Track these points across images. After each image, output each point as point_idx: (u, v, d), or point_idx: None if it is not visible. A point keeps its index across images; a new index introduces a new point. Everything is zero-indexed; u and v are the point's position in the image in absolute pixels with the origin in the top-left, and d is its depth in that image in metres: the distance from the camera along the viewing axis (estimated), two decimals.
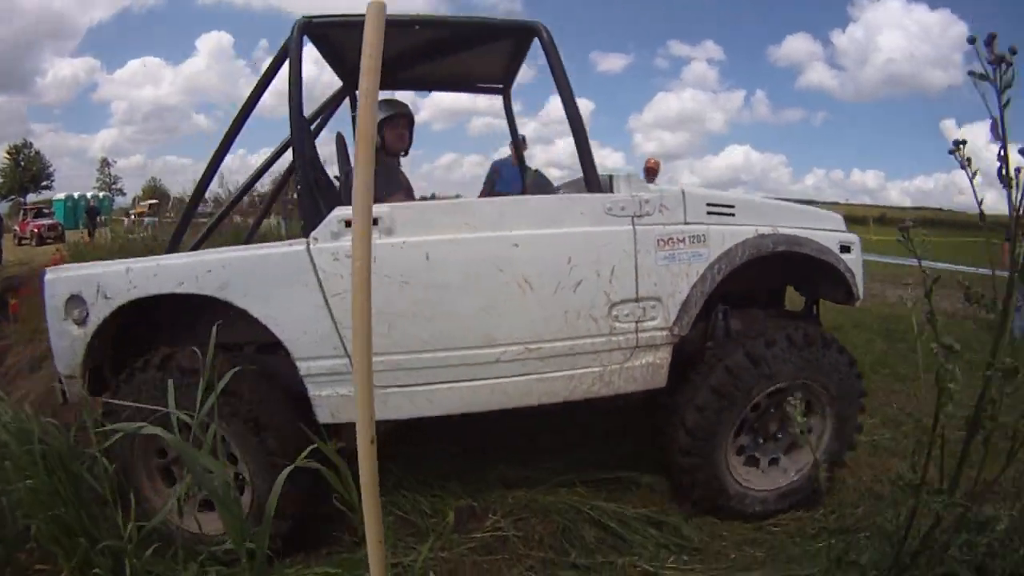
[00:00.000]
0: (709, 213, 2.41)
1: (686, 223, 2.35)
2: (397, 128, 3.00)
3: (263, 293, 2.18)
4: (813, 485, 2.38)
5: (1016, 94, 1.20)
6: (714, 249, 2.36)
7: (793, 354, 2.36)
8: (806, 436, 1.78)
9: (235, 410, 2.13)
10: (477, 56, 3.02)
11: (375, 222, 2.11)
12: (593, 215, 2.29)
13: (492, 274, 2.19)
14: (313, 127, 3.05)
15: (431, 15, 2.82)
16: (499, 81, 3.56)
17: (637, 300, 2.29)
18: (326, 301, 2.16)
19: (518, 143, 4.06)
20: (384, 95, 3.01)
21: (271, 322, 2.19)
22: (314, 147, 2.73)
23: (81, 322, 2.30)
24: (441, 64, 3.08)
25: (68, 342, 2.33)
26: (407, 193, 2.92)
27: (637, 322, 2.30)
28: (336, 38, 2.74)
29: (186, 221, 3.08)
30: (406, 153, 3.17)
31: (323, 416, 2.22)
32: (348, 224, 2.12)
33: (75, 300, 2.30)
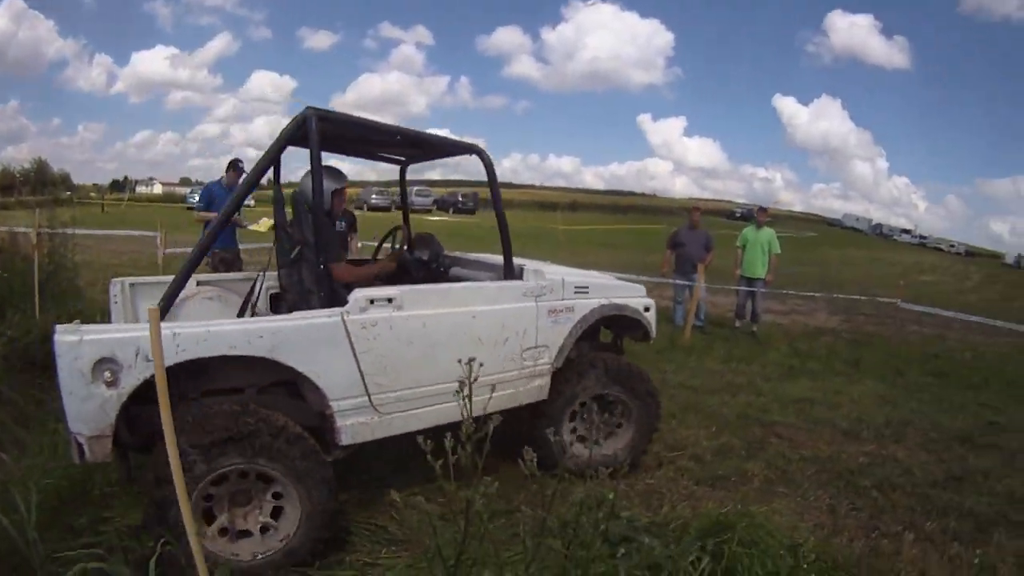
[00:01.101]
0: (575, 292, 4.03)
1: (563, 299, 3.96)
2: (342, 196, 3.86)
3: (307, 352, 2.99)
4: (618, 462, 3.72)
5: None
6: (578, 314, 4.01)
7: (609, 369, 4.14)
8: (594, 434, 3.95)
9: (287, 452, 2.89)
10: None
11: (390, 300, 3.24)
12: (516, 297, 3.76)
13: (461, 335, 3.47)
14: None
15: (412, 129, 3.79)
16: (408, 161, 4.75)
17: (536, 347, 3.83)
18: (355, 357, 3.12)
19: (406, 208, 5.08)
20: (331, 161, 3.92)
21: (312, 374, 3.00)
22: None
23: (113, 383, 2.64)
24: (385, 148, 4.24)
25: (97, 403, 2.63)
26: (344, 246, 3.89)
27: (535, 361, 3.85)
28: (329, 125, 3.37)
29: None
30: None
31: (346, 439, 3.16)
32: (372, 301, 3.17)
33: (106, 362, 2.63)
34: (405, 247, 4.62)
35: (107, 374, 2.66)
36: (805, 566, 2.89)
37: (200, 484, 2.76)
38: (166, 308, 2.96)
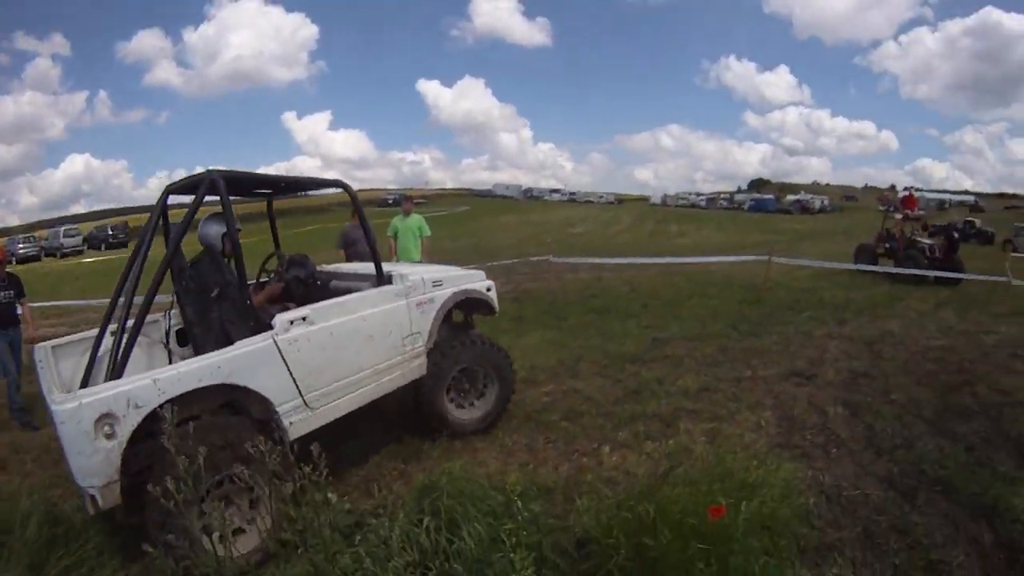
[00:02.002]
0: (433, 286, 5.07)
1: (425, 293, 4.98)
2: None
3: (254, 371, 3.76)
4: (492, 416, 5.49)
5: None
6: (438, 303, 5.07)
7: (465, 347, 5.24)
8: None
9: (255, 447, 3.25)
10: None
11: (304, 318, 4.07)
12: (391, 298, 4.75)
13: (358, 335, 4.41)
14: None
15: (287, 176, 5.16)
16: (275, 195, 5.76)
17: (412, 334, 4.85)
18: (288, 368, 3.90)
19: (276, 235, 5.93)
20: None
21: (260, 388, 3.77)
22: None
23: (111, 435, 3.13)
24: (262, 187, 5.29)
25: (103, 456, 3.11)
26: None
27: (413, 345, 4.87)
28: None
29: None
30: None
31: (293, 434, 3.90)
32: (292, 322, 4.02)
33: (105, 418, 3.12)
34: (285, 269, 5.09)
35: (106, 428, 3.15)
36: (516, 498, 3.23)
37: (200, 496, 3.15)
38: (123, 364, 3.60)
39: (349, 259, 8.77)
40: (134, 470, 3.30)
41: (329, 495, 2.98)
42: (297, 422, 4.02)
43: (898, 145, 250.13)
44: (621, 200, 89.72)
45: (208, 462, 2.98)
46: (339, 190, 5.19)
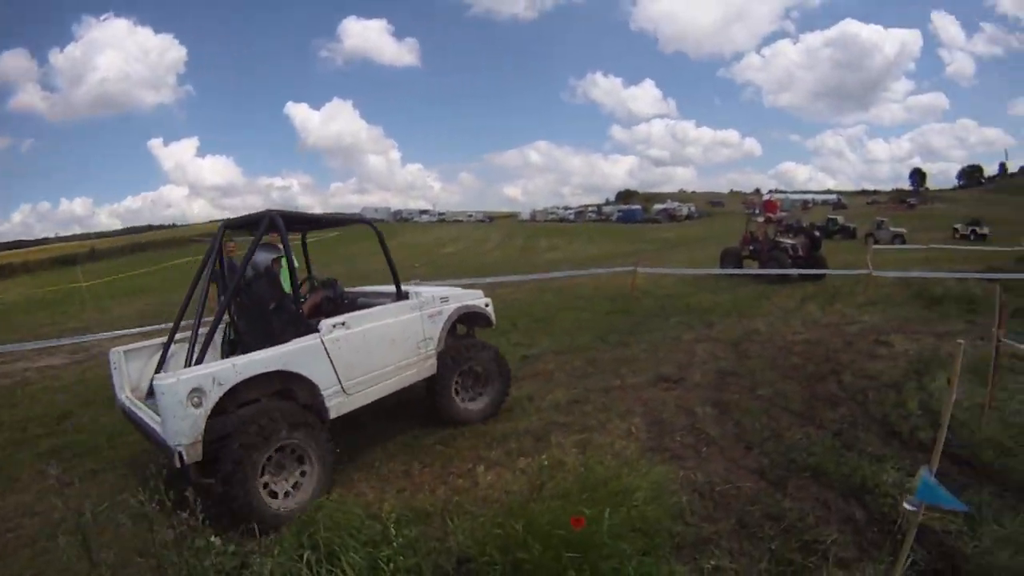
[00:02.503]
0: (441, 301, 6.48)
1: (435, 307, 6.41)
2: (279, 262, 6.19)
3: (305, 361, 5.13)
4: (500, 402, 6.95)
5: None
6: (445, 315, 6.48)
7: (468, 351, 6.65)
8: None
9: (305, 423, 4.98)
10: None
11: (344, 324, 5.44)
12: (408, 310, 6.19)
13: (384, 339, 5.84)
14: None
15: (322, 214, 7.35)
16: (308, 230, 7.38)
17: (425, 339, 6.24)
18: (331, 361, 5.30)
19: (309, 263, 7.36)
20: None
21: (310, 375, 5.14)
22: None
23: (199, 405, 4.46)
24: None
25: (191, 421, 4.43)
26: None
27: (426, 348, 6.27)
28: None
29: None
30: None
31: (332, 414, 5.31)
32: (334, 326, 5.39)
33: (195, 392, 4.45)
34: (320, 287, 6.75)
35: (195, 399, 4.48)
36: (391, 525, 3.55)
37: (263, 455, 4.71)
38: (202, 355, 5.24)
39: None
40: (212, 437, 4.58)
41: (211, 539, 3.37)
42: (336, 405, 5.44)
43: (762, 151, 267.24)
44: (492, 218, 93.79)
45: (269, 433, 4.70)
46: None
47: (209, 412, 4.53)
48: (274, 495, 4.79)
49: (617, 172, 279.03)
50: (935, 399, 6.96)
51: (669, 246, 35.65)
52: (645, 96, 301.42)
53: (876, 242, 38.91)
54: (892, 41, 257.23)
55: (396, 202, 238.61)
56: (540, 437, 6.19)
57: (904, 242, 39.67)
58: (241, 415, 4.74)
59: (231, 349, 6.29)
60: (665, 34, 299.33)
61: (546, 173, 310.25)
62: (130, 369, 5.95)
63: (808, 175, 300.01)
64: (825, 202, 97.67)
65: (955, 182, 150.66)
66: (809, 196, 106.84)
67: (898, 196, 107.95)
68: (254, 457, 4.62)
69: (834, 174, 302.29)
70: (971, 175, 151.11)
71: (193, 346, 5.44)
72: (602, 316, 13.10)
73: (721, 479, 5.01)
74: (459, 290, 7.37)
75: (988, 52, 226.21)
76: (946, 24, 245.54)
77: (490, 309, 7.28)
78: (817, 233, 20.51)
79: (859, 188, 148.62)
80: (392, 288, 6.46)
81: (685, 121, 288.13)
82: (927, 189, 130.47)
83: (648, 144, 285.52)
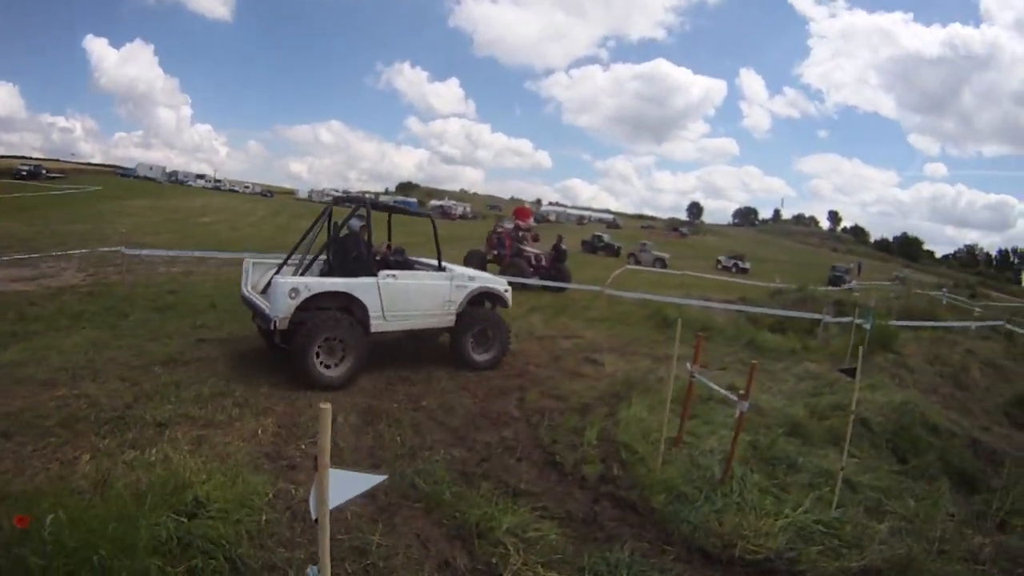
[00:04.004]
0: (468, 279, 10.60)
1: (462, 282, 10.49)
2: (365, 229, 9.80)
3: (363, 291, 9.20)
4: (500, 357, 10.90)
5: None
6: (468, 288, 10.52)
7: (483, 318, 10.74)
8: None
9: (352, 328, 9.04)
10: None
11: (395, 276, 9.54)
12: (442, 278, 10.30)
13: (420, 292, 9.98)
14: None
15: (394, 204, 12.27)
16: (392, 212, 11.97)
17: (449, 300, 10.31)
18: (380, 295, 9.33)
19: (390, 231, 11.74)
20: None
21: (365, 300, 9.16)
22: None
23: (294, 298, 8.52)
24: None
25: (287, 305, 8.45)
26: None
27: (449, 307, 10.32)
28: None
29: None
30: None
31: (373, 329, 9.32)
32: (387, 276, 9.45)
33: (294, 289, 8.54)
34: (391, 252, 10.68)
35: (292, 293, 8.50)
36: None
37: (319, 340, 8.65)
38: (305, 271, 9.67)
39: None
40: (295, 320, 8.47)
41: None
42: (377, 324, 9.26)
43: (552, 164, 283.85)
44: (271, 192, 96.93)
45: (323, 329, 8.59)
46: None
47: (297, 305, 8.46)
48: (326, 367, 8.73)
49: (407, 163, 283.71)
50: (620, 428, 7.70)
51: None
52: (448, 93, 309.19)
53: (637, 263, 45.50)
54: (699, 87, 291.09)
55: (180, 162, 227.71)
56: (165, 429, 6.35)
57: (665, 266, 47.01)
58: (311, 314, 8.60)
59: (325, 274, 9.82)
60: (482, 37, 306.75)
61: (335, 154, 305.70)
62: (253, 274, 10.27)
63: (593, 194, 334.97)
64: (601, 220, 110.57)
65: (730, 220, 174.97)
66: (586, 213, 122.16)
67: (672, 224, 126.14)
68: (312, 341, 8.49)
69: (618, 196, 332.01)
70: (746, 215, 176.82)
71: (299, 267, 9.73)
72: None
73: None
74: (487, 275, 11.81)
75: (784, 112, 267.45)
76: (752, 81, 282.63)
77: (508, 294, 11.08)
78: (564, 246, 22.71)
79: (639, 212, 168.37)
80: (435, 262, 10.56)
81: (482, 124, 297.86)
82: (702, 222, 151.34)
83: (442, 141, 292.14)
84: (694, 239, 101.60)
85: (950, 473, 8.42)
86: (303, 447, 6.29)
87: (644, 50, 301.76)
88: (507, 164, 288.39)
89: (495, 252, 22.78)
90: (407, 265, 10.64)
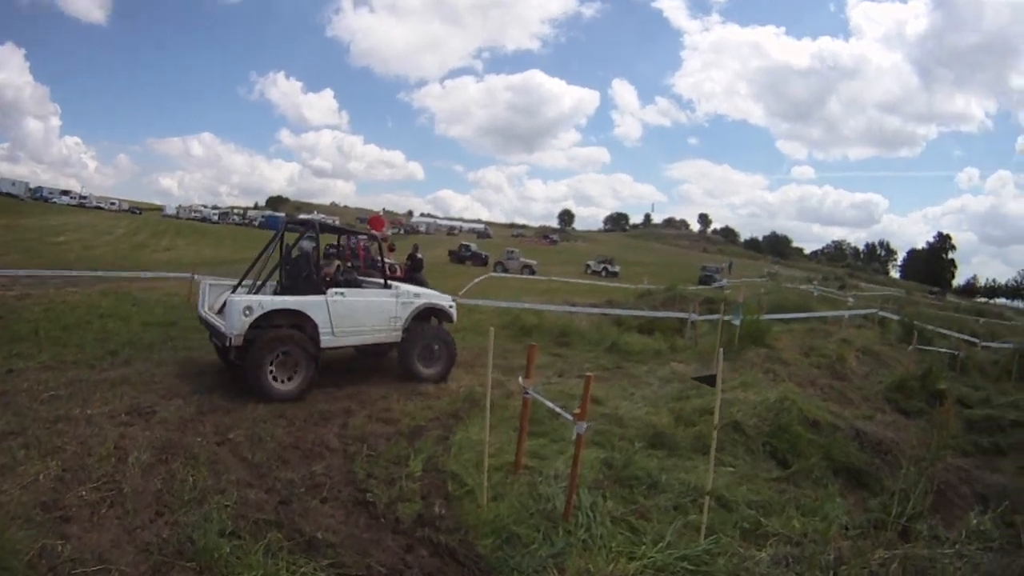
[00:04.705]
0: (413, 296, 11.19)
1: (408, 299, 11.04)
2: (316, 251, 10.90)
3: (313, 309, 9.78)
4: (447, 371, 11.36)
5: None
6: (413, 304, 11.08)
7: (429, 333, 11.26)
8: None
9: (303, 344, 9.51)
10: None
11: (342, 294, 10.14)
12: (388, 295, 10.84)
13: (366, 308, 10.50)
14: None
15: (341, 226, 11.83)
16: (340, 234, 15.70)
17: (395, 316, 10.85)
18: (329, 312, 9.89)
19: (339, 249, 15.10)
20: None
21: (315, 317, 9.71)
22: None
23: (248, 315, 9.15)
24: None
25: (242, 322, 9.07)
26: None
27: (396, 322, 10.84)
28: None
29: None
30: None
31: (324, 345, 9.81)
32: (335, 292, 10.02)
33: (247, 307, 9.19)
34: (338, 271, 11.30)
35: (247, 311, 9.17)
36: None
37: (272, 356, 9.19)
38: (258, 291, 10.53)
39: None
40: (248, 337, 9.05)
41: None
42: (326, 340, 9.80)
43: (424, 175, 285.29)
44: (139, 209, 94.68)
45: (275, 344, 9.18)
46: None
47: (251, 322, 9.10)
48: (279, 381, 9.25)
49: (278, 177, 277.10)
50: (452, 454, 7.40)
51: None
52: (321, 105, 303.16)
53: (505, 270, 46.81)
54: (571, 96, 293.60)
55: (47, 178, 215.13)
56: None
57: (533, 272, 48.42)
58: (264, 331, 9.20)
59: (279, 293, 10.38)
60: (359, 47, 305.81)
61: (206, 168, 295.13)
62: (210, 295, 10.87)
63: (465, 204, 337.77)
64: (472, 230, 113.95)
65: (601, 226, 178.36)
66: (457, 223, 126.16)
67: (543, 232, 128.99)
68: (265, 356, 9.08)
69: (490, 206, 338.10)
70: (617, 221, 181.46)
71: (253, 286, 10.53)
72: (137, 327, 13.62)
73: (94, 558, 4.63)
74: (432, 292, 12.20)
75: (656, 121, 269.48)
76: (624, 91, 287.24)
77: (453, 309, 11.82)
78: (419, 255, 22.21)
79: (511, 221, 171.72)
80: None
81: (354, 136, 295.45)
82: (573, 229, 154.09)
83: (313, 153, 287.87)
84: (565, 246, 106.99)
85: (838, 471, 8.27)
86: (83, 494, 5.57)
87: (519, 61, 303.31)
88: (379, 176, 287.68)
89: (349, 264, 21.40)
90: (355, 283, 11.20)
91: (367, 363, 11.82)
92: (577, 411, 5.84)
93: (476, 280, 23.82)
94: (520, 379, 6.56)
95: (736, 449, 8.32)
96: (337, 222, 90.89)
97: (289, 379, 9.35)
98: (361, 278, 11.94)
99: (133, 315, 14.72)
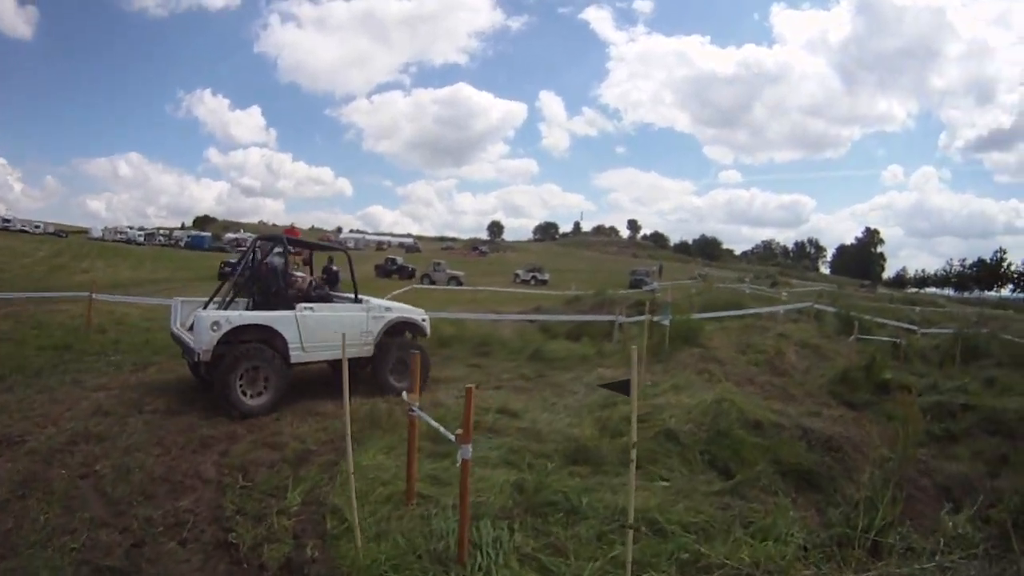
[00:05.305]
0: (385, 310, 11.32)
1: (379, 313, 11.15)
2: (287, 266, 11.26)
3: (282, 324, 9.85)
4: (422, 385, 8.93)
5: None
6: (385, 319, 11.21)
7: (402, 347, 11.14)
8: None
9: (272, 359, 9.55)
10: None
11: (312, 309, 10.24)
12: (358, 310, 10.97)
13: (337, 323, 10.24)
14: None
15: (310, 241, 14.29)
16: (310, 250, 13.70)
17: (366, 332, 10.91)
18: (298, 326, 9.96)
19: (312, 265, 13.13)
20: None
21: (284, 332, 9.78)
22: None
23: (216, 331, 9.23)
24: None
25: (210, 337, 9.15)
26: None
27: (367, 337, 10.90)
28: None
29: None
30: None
31: (293, 360, 9.91)
32: (304, 308, 10.14)
33: (215, 323, 9.26)
34: (310, 286, 11.30)
35: (215, 327, 9.23)
36: None
37: (240, 370, 9.22)
38: (227, 306, 10.21)
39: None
40: (217, 353, 9.13)
41: None
42: (296, 355, 9.86)
43: (353, 192, 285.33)
44: (65, 232, 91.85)
45: (242, 359, 9.20)
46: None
47: (219, 338, 9.18)
48: (247, 395, 9.28)
49: (207, 197, 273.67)
50: (339, 486, 6.38)
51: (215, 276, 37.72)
52: (249, 122, 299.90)
53: (432, 282, 47.49)
54: (499, 109, 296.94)
55: None
56: None
57: (460, 283, 48.91)
58: (233, 346, 9.27)
59: (251, 309, 10.52)
60: (286, 63, 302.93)
61: (134, 189, 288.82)
62: (182, 312, 10.97)
63: (395, 219, 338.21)
64: (401, 245, 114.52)
65: (531, 236, 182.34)
66: (386, 238, 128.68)
67: (472, 244, 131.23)
68: (233, 371, 9.12)
69: (420, 220, 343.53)
70: (546, 230, 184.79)
71: (223, 302, 10.43)
72: (31, 351, 12.82)
73: None
74: (405, 306, 12.27)
75: (583, 131, 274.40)
76: (552, 103, 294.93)
77: (426, 324, 11.93)
78: (335, 268, 22.88)
79: (441, 235, 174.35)
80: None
81: (283, 153, 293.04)
82: (503, 240, 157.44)
83: (242, 172, 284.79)
84: (494, 256, 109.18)
85: (787, 475, 7.42)
86: None
87: (446, 75, 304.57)
88: (308, 194, 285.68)
89: (250, 280, 21.79)
90: (326, 298, 11.32)
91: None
92: (459, 432, 4.91)
93: (396, 292, 23.20)
94: (404, 394, 6.06)
95: (670, 460, 7.45)
96: None
97: (259, 395, 9.46)
98: (334, 293, 12.07)
99: (30, 338, 14.02)
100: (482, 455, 7.07)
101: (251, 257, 11.30)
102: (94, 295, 16.92)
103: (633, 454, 4.47)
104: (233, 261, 33.96)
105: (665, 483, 6.78)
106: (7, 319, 16.42)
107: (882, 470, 6.56)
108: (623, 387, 4.65)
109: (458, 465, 4.95)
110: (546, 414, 9.40)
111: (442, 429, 5.37)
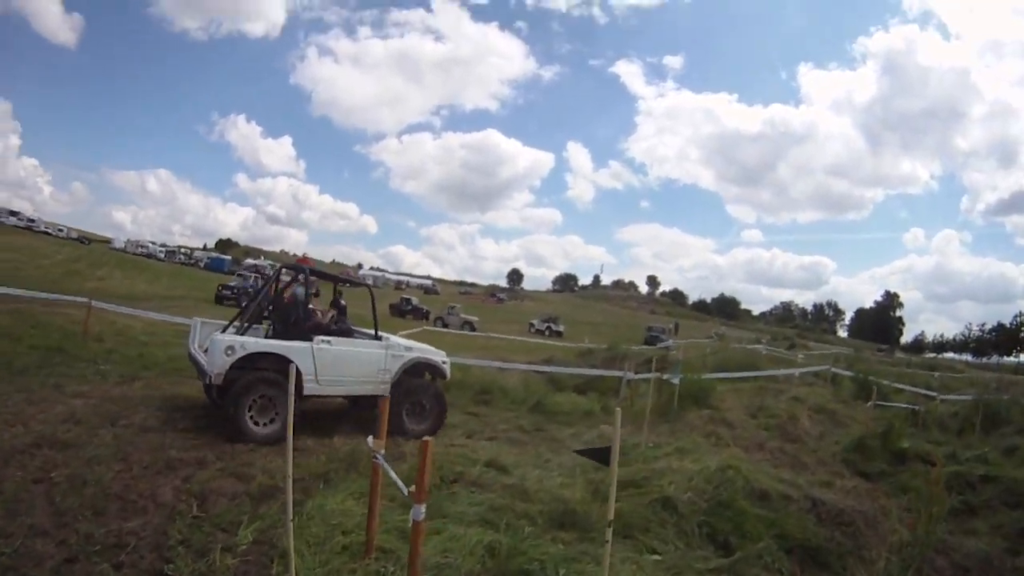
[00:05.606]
0: (404, 349, 11.25)
1: (398, 352, 11.10)
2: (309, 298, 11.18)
3: (297, 355, 9.77)
4: (436, 429, 11.11)
5: None
6: (404, 358, 11.14)
7: (419, 388, 11.24)
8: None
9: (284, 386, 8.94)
10: None
11: (329, 343, 10.22)
12: (378, 347, 10.94)
13: (355, 358, 10.58)
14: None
15: (332, 273, 14.11)
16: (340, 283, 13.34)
17: (384, 369, 10.87)
18: (314, 359, 9.99)
19: (336, 298, 12.17)
20: None
21: (299, 364, 9.48)
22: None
23: (230, 355, 9.36)
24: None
25: (223, 361, 9.28)
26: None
27: (384, 376, 10.85)
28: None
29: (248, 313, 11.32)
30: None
31: (307, 392, 9.90)
32: (322, 340, 10.14)
33: (229, 347, 9.39)
34: (331, 319, 11.36)
35: (228, 351, 9.35)
36: None
37: (251, 398, 9.31)
38: (244, 331, 10.36)
39: None
40: (229, 378, 9.26)
41: None
42: (311, 387, 9.90)
43: (377, 229, 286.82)
44: (88, 239, 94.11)
45: (252, 388, 9.27)
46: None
47: (233, 363, 9.29)
48: (257, 423, 9.34)
49: (232, 221, 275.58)
50: (298, 528, 5.82)
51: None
52: (280, 151, 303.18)
53: (445, 325, 48.16)
54: (526, 158, 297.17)
55: (2, 197, 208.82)
56: None
57: (474, 329, 49.41)
58: (246, 372, 9.37)
59: (271, 337, 10.73)
60: (320, 96, 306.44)
61: (161, 205, 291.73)
62: (201, 332, 11.24)
63: (416, 260, 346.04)
64: (420, 286, 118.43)
65: (550, 286, 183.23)
66: (405, 278, 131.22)
67: (491, 290, 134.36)
68: (243, 398, 9.22)
69: (441, 263, 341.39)
70: (566, 281, 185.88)
71: (241, 327, 10.44)
72: (24, 349, 13.18)
73: None
74: (425, 346, 12.12)
75: (608, 185, 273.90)
76: (579, 154, 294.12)
77: (447, 365, 11.80)
78: (343, 302, 22.71)
79: (461, 279, 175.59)
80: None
81: (310, 185, 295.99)
82: (522, 288, 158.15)
83: (269, 200, 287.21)
84: (512, 304, 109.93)
85: (793, 552, 6.90)
86: None
87: (476, 120, 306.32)
88: (332, 227, 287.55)
89: (270, 308, 21.96)
90: (347, 332, 11.17)
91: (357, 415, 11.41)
92: (412, 489, 4.38)
93: (404, 332, 22.12)
94: (369, 440, 5.54)
95: (665, 531, 6.89)
96: (278, 266, 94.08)
97: (268, 423, 9.47)
98: (355, 328, 11.87)
99: (26, 337, 14.34)
100: (460, 511, 6.73)
101: (273, 285, 11.80)
102: (93, 303, 17.13)
103: (608, 532, 3.99)
104: (232, 284, 37.40)
105: (656, 557, 6.28)
106: (8, 315, 16.72)
107: (899, 555, 6.00)
108: (602, 455, 4.17)
109: (411, 526, 4.44)
110: (537, 471, 8.77)
111: (400, 483, 4.80)
